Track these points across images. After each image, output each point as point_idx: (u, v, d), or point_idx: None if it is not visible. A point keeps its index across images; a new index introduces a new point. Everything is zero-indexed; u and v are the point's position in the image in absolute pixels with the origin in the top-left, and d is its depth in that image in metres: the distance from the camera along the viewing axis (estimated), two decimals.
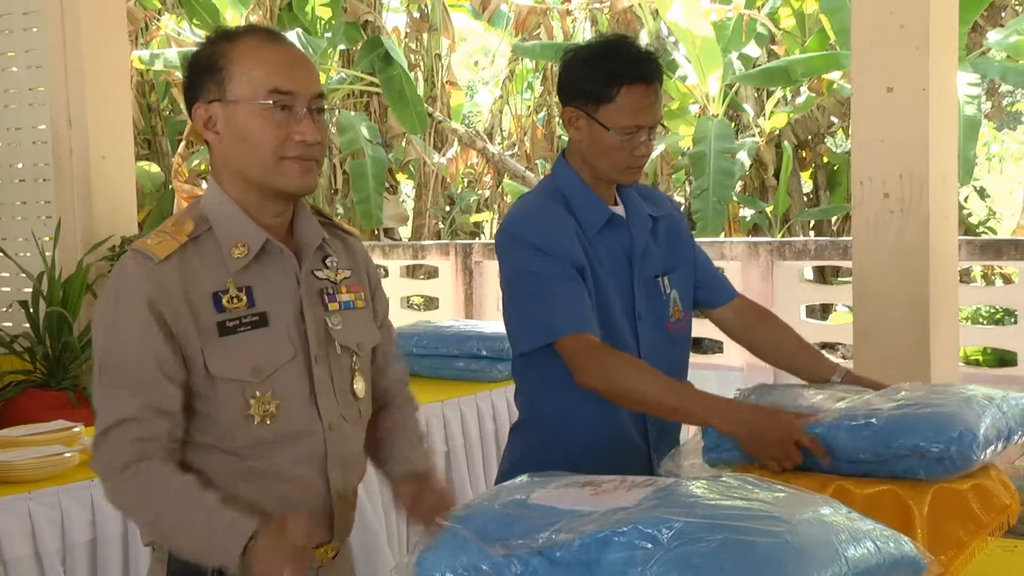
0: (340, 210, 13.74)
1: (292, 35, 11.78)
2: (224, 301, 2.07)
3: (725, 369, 7.83)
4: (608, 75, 2.72)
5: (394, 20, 14.56)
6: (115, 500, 2.08)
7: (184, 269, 2.05)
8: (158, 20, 14.48)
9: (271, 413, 2.09)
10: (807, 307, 7.85)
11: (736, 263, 7.87)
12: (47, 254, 6.53)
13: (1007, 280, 10.95)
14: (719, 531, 1.62)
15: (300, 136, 2.07)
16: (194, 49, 2.18)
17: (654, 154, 12.66)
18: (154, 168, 13.36)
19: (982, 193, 14.86)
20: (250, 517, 1.99)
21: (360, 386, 2.26)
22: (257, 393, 2.08)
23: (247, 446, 2.09)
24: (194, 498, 2.01)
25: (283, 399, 2.11)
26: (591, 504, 1.75)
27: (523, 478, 1.93)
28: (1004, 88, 14.47)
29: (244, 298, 2.09)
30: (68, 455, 3.70)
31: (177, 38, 14.06)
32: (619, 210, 2.87)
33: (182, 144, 12.92)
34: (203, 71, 2.10)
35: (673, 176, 13.33)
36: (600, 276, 2.78)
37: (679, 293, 2.97)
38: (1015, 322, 7.34)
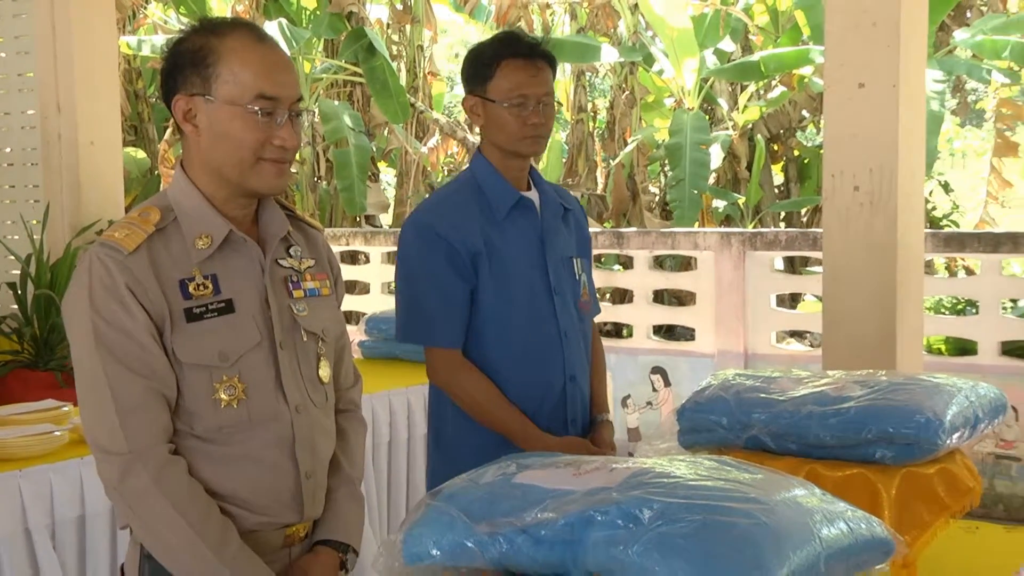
0: (323, 197, 13.69)
1: (275, 26, 11.71)
2: (191, 288, 2.08)
3: (698, 356, 7.87)
4: (489, 56, 2.95)
5: (377, 12, 14.50)
6: (133, 504, 2.05)
7: (153, 259, 2.06)
8: (145, 8, 14.40)
9: (238, 397, 2.10)
10: (777, 296, 7.88)
11: (709, 253, 7.89)
12: (35, 237, 6.52)
13: (969, 272, 11.02)
14: (698, 511, 1.63)
15: (280, 141, 2.10)
16: (179, 35, 2.16)
17: (629, 147, 12.70)
18: (140, 154, 13.30)
19: (946, 187, 14.91)
20: (268, 570, 2.08)
21: (325, 372, 2.27)
22: (224, 378, 2.09)
23: (216, 430, 2.09)
24: (215, 525, 2.06)
25: (250, 384, 2.12)
26: (574, 484, 1.76)
27: (504, 460, 1.94)
28: (969, 85, 14.51)
29: (210, 285, 2.10)
30: (57, 434, 3.70)
31: (164, 26, 14.02)
32: (531, 195, 3.05)
33: (168, 131, 12.86)
34: (187, 63, 2.10)
35: (648, 167, 13.33)
36: (512, 255, 2.96)
37: (586, 278, 3.15)
38: (976, 313, 7.39)
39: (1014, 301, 8.91)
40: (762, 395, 2.62)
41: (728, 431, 2.61)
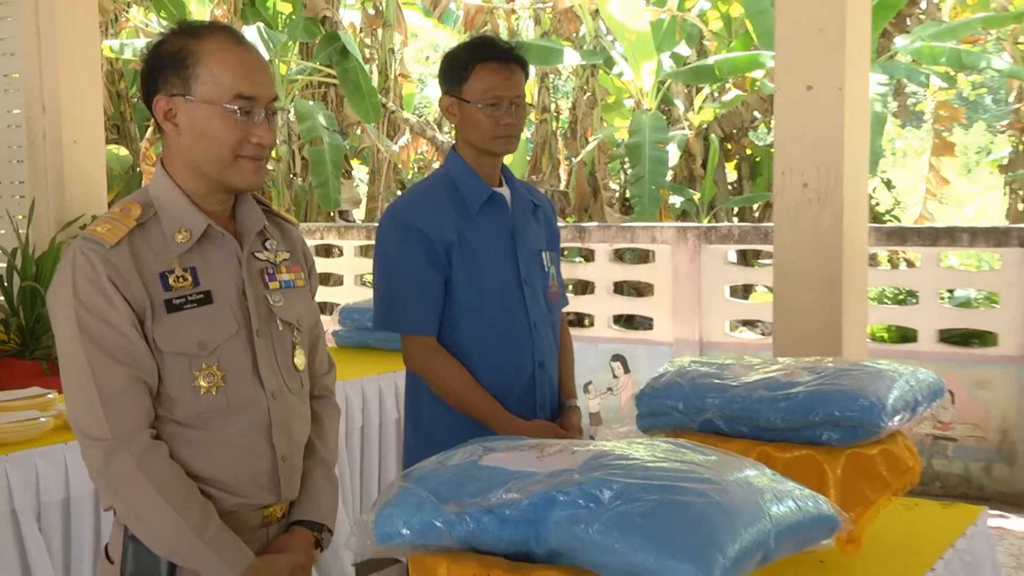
0: (299, 193, 13.64)
1: (253, 30, 11.67)
2: (171, 280, 2.07)
3: (656, 344, 7.89)
4: (465, 59, 2.97)
5: (350, 16, 14.46)
6: (116, 487, 2.05)
7: (134, 252, 2.05)
8: (127, 12, 14.32)
9: (217, 385, 2.10)
10: (730, 287, 7.91)
11: (667, 246, 7.91)
12: (21, 232, 6.47)
13: (910, 264, 11.08)
14: (656, 492, 1.64)
15: (257, 138, 2.10)
16: (158, 38, 2.15)
17: (591, 145, 12.71)
18: (123, 152, 13.23)
19: (888, 184, 15.00)
20: (247, 550, 2.08)
21: (301, 360, 2.27)
22: (203, 366, 2.08)
23: (196, 416, 2.09)
24: (197, 507, 2.05)
25: (228, 371, 2.11)
26: (537, 466, 1.76)
27: (471, 443, 1.94)
28: (909, 89, 14.59)
29: (189, 278, 2.09)
30: (43, 420, 3.68)
31: (145, 29, 13.94)
32: (502, 190, 3.06)
33: (150, 129, 12.77)
34: (167, 64, 2.09)
35: (609, 165, 13.34)
36: (484, 247, 2.97)
37: (555, 271, 3.17)
38: (917, 303, 7.44)
39: (951, 292, 8.99)
40: (716, 381, 2.63)
41: (684, 415, 2.62)
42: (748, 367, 2.69)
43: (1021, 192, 13.76)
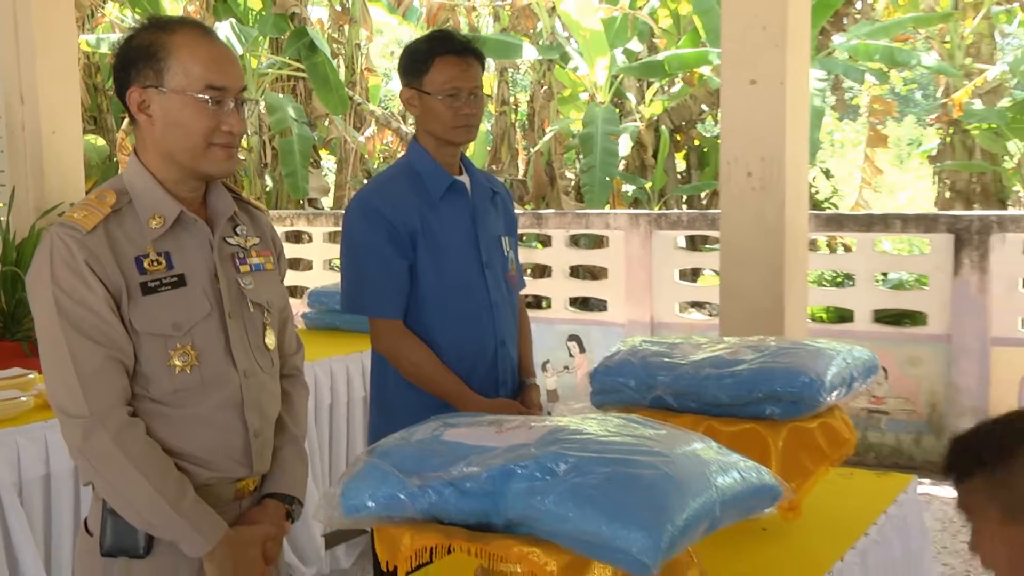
0: (269, 183, 13.57)
1: (225, 25, 11.59)
2: (145, 264, 2.06)
3: (609, 325, 7.91)
4: (424, 52, 2.95)
5: (318, 12, 14.36)
6: (94, 463, 2.03)
7: (110, 237, 2.04)
8: (103, 8, 14.16)
9: (191, 364, 2.08)
10: (679, 271, 7.94)
11: (620, 232, 7.93)
12: (1, 219, 6.40)
13: (847, 249, 11.17)
14: (608, 464, 1.64)
15: (228, 127, 2.08)
16: (130, 32, 2.13)
17: (547, 136, 12.72)
18: (100, 142, 13.11)
19: (827, 174, 15.11)
20: (221, 521, 2.07)
21: (271, 339, 2.26)
22: (178, 346, 2.07)
23: (171, 393, 2.08)
24: (172, 481, 2.04)
25: (201, 351, 2.10)
26: (496, 441, 1.76)
27: (434, 420, 1.94)
28: (846, 84, 14.69)
29: (163, 261, 2.08)
30: (23, 399, 3.67)
31: (120, 25, 13.77)
32: (463, 179, 3.05)
33: (125, 121, 12.65)
34: (139, 57, 2.07)
35: (565, 155, 13.36)
36: (446, 233, 2.96)
37: (513, 255, 3.16)
38: (853, 285, 7.49)
39: (885, 275, 9.06)
40: (665, 359, 2.64)
41: (635, 392, 2.63)
42: (696, 346, 2.71)
43: (948, 181, 13.91)
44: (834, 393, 2.50)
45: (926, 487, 3.32)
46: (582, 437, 1.74)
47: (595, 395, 2.77)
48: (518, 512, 1.63)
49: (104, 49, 12.23)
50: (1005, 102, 13.62)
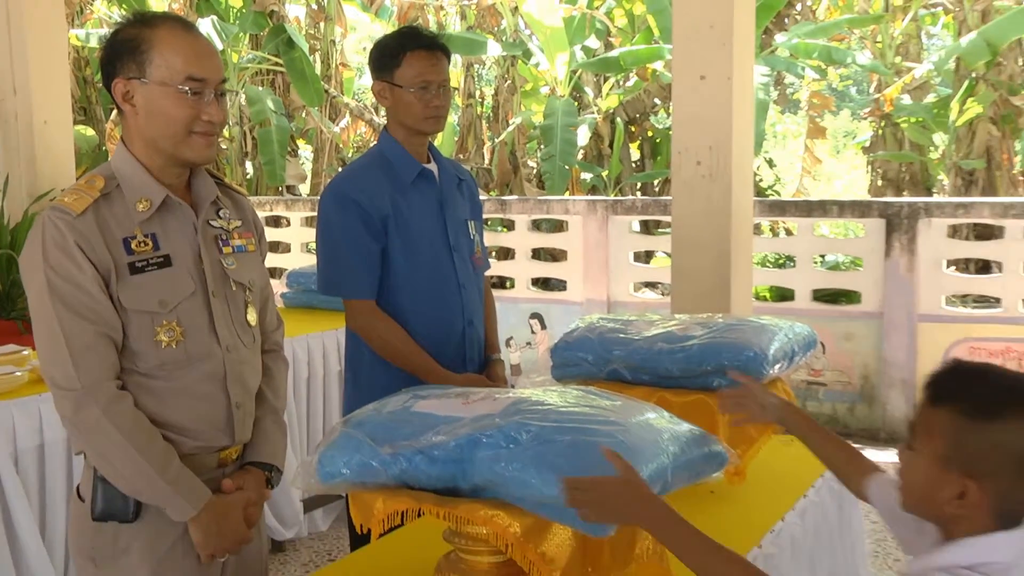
0: (250, 170, 13.47)
1: (207, 22, 11.49)
2: (133, 245, 2.04)
3: (569, 303, 7.92)
4: (395, 47, 2.92)
5: (295, 10, 14.23)
6: (85, 433, 2.01)
7: (99, 220, 2.02)
8: (92, 5, 13.99)
9: (177, 339, 2.07)
10: (634, 253, 7.96)
11: (578, 217, 7.93)
12: None
13: (789, 232, 11.25)
14: (568, 433, 1.65)
15: (208, 116, 2.07)
16: (115, 27, 2.12)
17: (511, 127, 12.69)
18: (89, 132, 12.95)
19: (770, 163, 15.20)
20: (205, 488, 2.07)
21: (252, 317, 2.25)
22: (164, 322, 2.06)
23: (158, 367, 2.06)
24: (159, 450, 2.02)
25: (186, 327, 2.08)
26: (463, 412, 1.76)
27: (404, 392, 1.93)
28: (788, 80, 14.76)
29: (150, 243, 2.06)
30: (18, 374, 3.65)
31: (108, 21, 13.59)
32: (431, 167, 3.03)
33: (114, 111, 12.49)
34: (124, 50, 2.05)
35: (527, 145, 13.34)
36: (416, 217, 2.94)
37: (479, 238, 3.15)
38: (794, 266, 7.54)
39: (823, 257, 9.13)
40: (621, 335, 2.65)
41: (593, 365, 2.64)
42: (649, 323, 2.72)
43: (880, 170, 14.02)
44: (776, 366, 2.51)
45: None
46: (543, 408, 1.74)
47: (555, 369, 2.78)
48: (484, 478, 1.63)
49: (93, 43, 12.09)
50: (931, 98, 13.76)
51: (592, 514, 1.54)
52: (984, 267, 10.08)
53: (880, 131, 13.94)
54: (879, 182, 14.01)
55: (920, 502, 1.51)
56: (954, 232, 8.61)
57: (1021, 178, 12.46)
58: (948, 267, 6.90)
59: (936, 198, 11.24)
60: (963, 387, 1.49)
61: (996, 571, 1.43)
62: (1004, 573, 1.43)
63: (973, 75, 12.21)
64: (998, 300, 6.68)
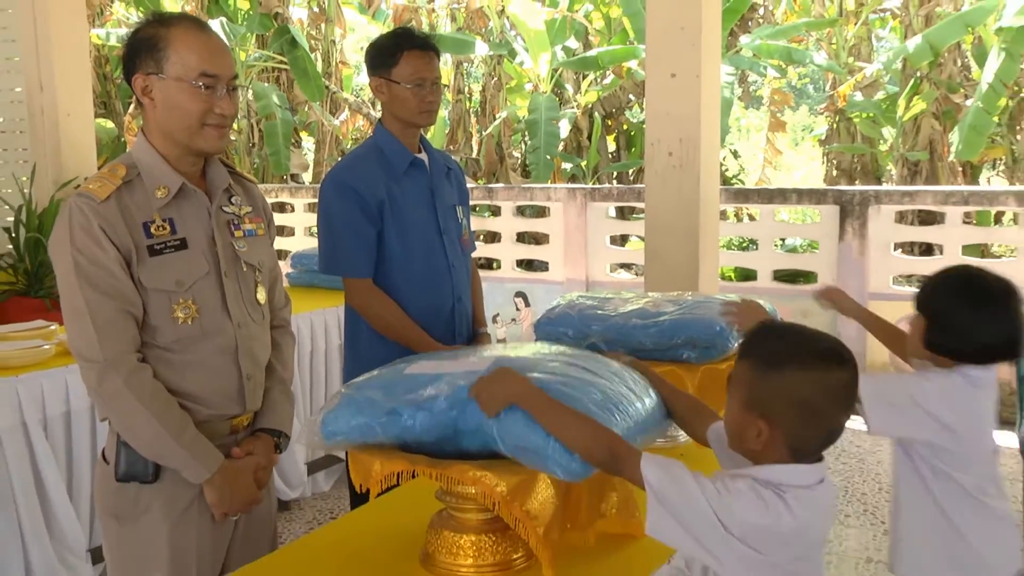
0: (257, 160, 13.40)
1: (217, 23, 11.42)
2: (152, 229, 2.04)
3: (551, 283, 7.93)
4: (392, 47, 2.91)
5: (298, 12, 14.14)
6: (108, 402, 2.01)
7: (121, 206, 2.01)
8: (111, 7, 13.86)
9: (192, 316, 2.07)
10: (611, 237, 7.96)
11: (559, 203, 7.92)
12: (25, 191, 6.34)
13: (752, 218, 11.28)
14: (548, 386, 1.65)
15: (220, 110, 2.06)
16: (135, 27, 2.10)
17: (497, 121, 12.65)
18: (109, 124, 12.86)
19: (735, 154, 15.20)
20: (218, 452, 2.08)
21: (262, 295, 2.25)
22: (180, 300, 2.06)
23: (175, 341, 2.06)
24: (176, 417, 2.02)
25: (201, 305, 2.08)
26: (453, 368, 1.77)
27: (398, 361, 1.93)
28: (751, 78, 14.75)
29: (168, 227, 2.06)
30: (46, 347, 3.64)
31: (127, 21, 13.48)
32: (422, 156, 3.02)
33: (132, 105, 12.45)
34: (143, 48, 2.04)
35: (512, 137, 13.31)
36: (409, 203, 2.93)
37: (466, 222, 3.15)
38: (757, 249, 7.56)
39: (782, 240, 9.17)
40: (598, 311, 2.65)
41: (573, 340, 2.64)
42: (624, 300, 2.72)
43: (835, 161, 14.05)
44: (741, 340, 2.52)
45: None
46: (528, 364, 1.75)
47: (539, 327, 2.78)
48: (474, 427, 1.64)
49: (112, 42, 12.00)
50: (880, 95, 13.78)
51: (484, 400, 1.61)
52: (927, 250, 10.13)
53: (835, 125, 13.96)
54: (834, 172, 14.04)
55: (735, 440, 1.61)
56: (901, 218, 8.65)
57: (960, 168, 12.51)
58: (895, 250, 6.91)
59: (885, 187, 11.27)
60: (760, 343, 1.60)
61: (793, 491, 1.51)
62: (804, 492, 1.52)
63: (918, 74, 12.24)
64: None
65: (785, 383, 1.53)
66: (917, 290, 2.28)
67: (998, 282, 2.21)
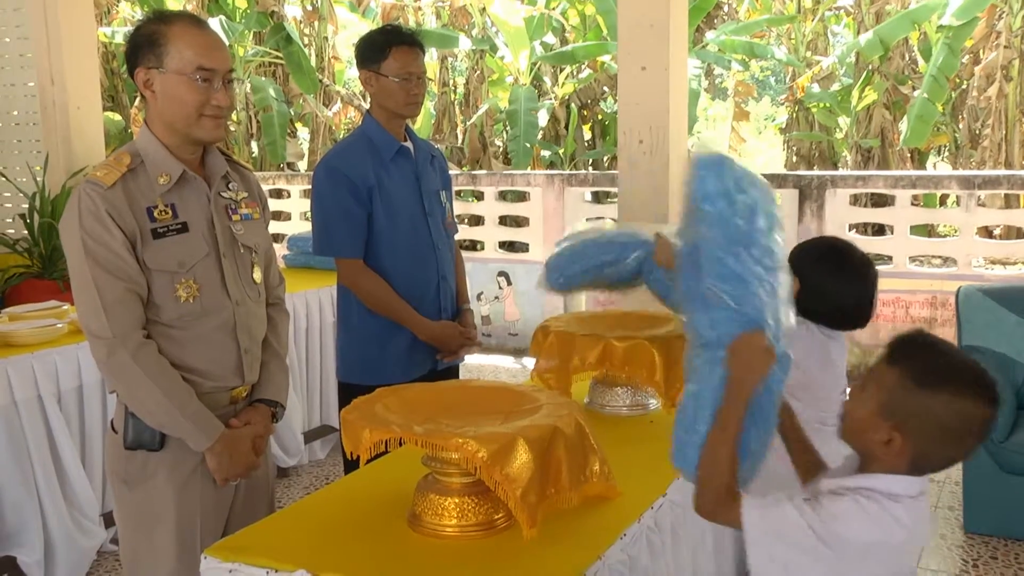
0: (255, 150, 13.32)
1: (216, 21, 11.33)
2: (155, 214, 2.03)
3: (531, 263, 7.92)
4: (381, 43, 2.89)
5: (293, 11, 14.00)
6: (117, 375, 2.00)
7: (126, 192, 2.00)
8: (118, 6, 13.71)
9: (193, 295, 2.06)
10: (587, 219, 7.95)
11: (539, 188, 7.91)
12: (39, 179, 6.34)
13: None
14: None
15: (216, 101, 2.04)
16: (137, 24, 2.09)
17: (480, 112, 12.60)
18: (117, 117, 12.74)
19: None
20: (218, 422, 2.08)
21: (258, 275, 2.24)
22: (182, 280, 2.05)
23: (178, 318, 2.05)
24: (179, 390, 2.02)
25: (202, 284, 2.08)
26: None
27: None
28: (716, 71, 14.74)
29: (170, 212, 2.05)
30: (59, 325, 3.64)
31: (132, 20, 13.34)
32: (408, 145, 3.01)
33: (138, 99, 12.33)
34: (144, 43, 2.02)
35: (494, 127, 13.26)
36: (396, 188, 2.92)
37: (449, 206, 3.14)
38: None
39: None
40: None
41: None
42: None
43: (795, 148, 14.09)
44: None
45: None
46: None
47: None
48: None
49: (119, 39, 11.88)
50: (836, 87, 13.83)
51: (738, 352, 1.53)
52: (879, 230, 10.19)
53: (794, 115, 14.00)
54: (793, 158, 14.08)
55: (854, 434, 1.52)
56: (855, 201, 8.68)
57: (908, 154, 12.56)
58: (850, 230, 6.94)
59: (840, 172, 11.32)
60: (916, 355, 1.49)
61: (887, 497, 1.45)
62: (912, 503, 1.46)
63: (870, 67, 12.28)
64: (890, 258, 6.74)
65: (935, 405, 1.43)
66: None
67: (859, 254, 2.37)
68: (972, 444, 1.47)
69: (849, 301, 2.33)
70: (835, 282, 2.32)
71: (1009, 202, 10.28)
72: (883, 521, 1.42)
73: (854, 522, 1.41)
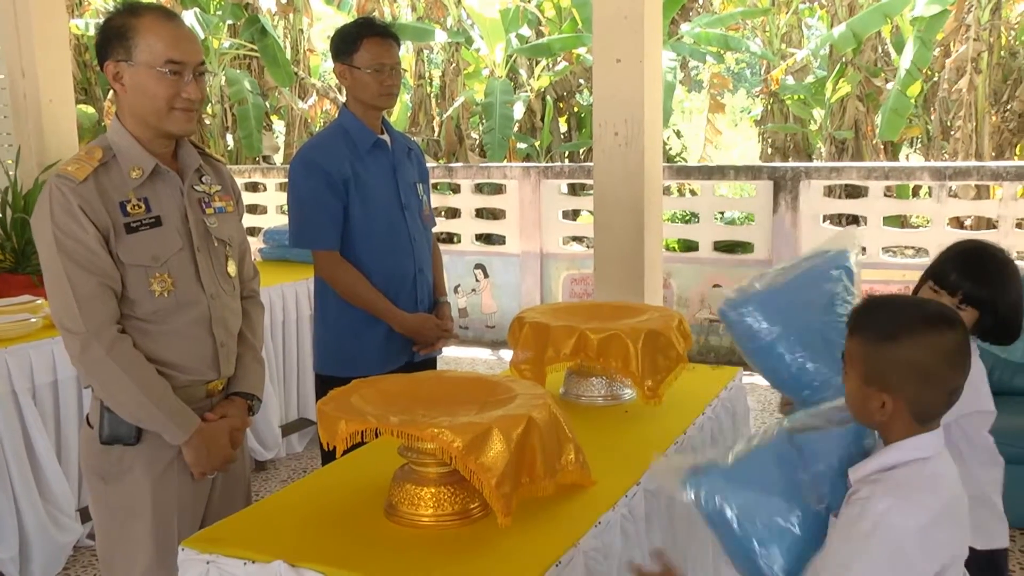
0: (231, 143, 13.23)
1: (191, 13, 11.22)
2: (128, 208, 2.02)
3: (508, 255, 7.93)
4: (354, 35, 2.89)
5: (267, 2, 13.91)
6: (91, 371, 1.99)
7: (98, 186, 1.99)
8: None
9: (168, 289, 2.06)
10: (563, 211, 7.97)
11: (515, 181, 7.91)
12: (10, 173, 6.21)
13: (693, 193, 11.33)
14: None
15: (187, 94, 2.04)
16: (107, 16, 2.08)
17: (456, 104, 12.58)
18: (90, 110, 12.61)
19: (678, 134, 15.25)
20: (195, 416, 2.07)
21: (232, 268, 2.24)
22: (157, 274, 2.04)
23: (152, 313, 2.05)
24: (155, 384, 2.01)
25: (176, 278, 2.07)
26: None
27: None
28: (692, 63, 14.78)
29: (143, 206, 2.04)
30: (33, 320, 3.62)
31: (104, 11, 13.20)
32: (384, 137, 3.00)
33: (111, 92, 12.19)
34: (113, 36, 2.02)
35: (471, 119, 13.23)
36: (372, 181, 2.92)
37: (427, 199, 3.14)
38: (698, 221, 7.59)
39: (722, 213, 9.22)
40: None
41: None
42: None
43: (769, 140, 14.16)
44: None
45: (749, 378, 3.44)
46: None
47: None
48: None
49: (91, 32, 11.77)
50: (810, 79, 13.91)
51: None
52: (853, 220, 10.26)
53: (769, 107, 14.07)
54: (768, 150, 14.16)
55: (859, 415, 1.55)
56: (829, 192, 8.75)
57: (882, 146, 12.66)
58: (824, 221, 6.99)
59: (814, 163, 11.40)
60: (868, 317, 1.54)
61: (916, 466, 1.48)
62: (923, 466, 1.48)
63: (843, 60, 12.35)
64: (864, 248, 6.80)
65: (899, 353, 1.46)
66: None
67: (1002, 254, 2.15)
68: (958, 372, 1.49)
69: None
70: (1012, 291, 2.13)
71: (980, 193, 10.39)
72: (921, 501, 1.44)
73: (898, 514, 1.42)
